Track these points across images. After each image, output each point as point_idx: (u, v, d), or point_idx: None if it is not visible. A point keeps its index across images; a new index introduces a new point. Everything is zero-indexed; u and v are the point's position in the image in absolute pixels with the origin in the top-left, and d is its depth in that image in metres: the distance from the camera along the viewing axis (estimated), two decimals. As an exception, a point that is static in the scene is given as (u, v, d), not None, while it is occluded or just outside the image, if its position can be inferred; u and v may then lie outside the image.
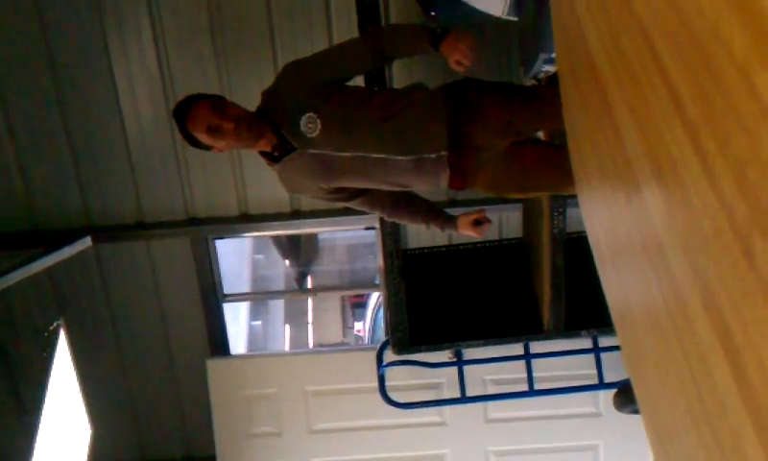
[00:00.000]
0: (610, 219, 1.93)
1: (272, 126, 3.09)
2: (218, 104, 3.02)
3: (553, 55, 3.30)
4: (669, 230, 1.29)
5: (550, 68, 3.43)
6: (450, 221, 3.46)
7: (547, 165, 3.35)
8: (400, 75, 4.78)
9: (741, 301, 1.04)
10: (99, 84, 4.95)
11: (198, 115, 2.99)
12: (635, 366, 2.00)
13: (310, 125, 3.06)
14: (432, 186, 3.31)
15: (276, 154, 3.16)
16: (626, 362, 2.12)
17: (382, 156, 3.11)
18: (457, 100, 3.20)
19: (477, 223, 3.44)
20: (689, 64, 1.06)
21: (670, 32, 1.13)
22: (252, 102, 3.20)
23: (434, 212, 3.48)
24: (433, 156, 3.14)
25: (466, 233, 3.47)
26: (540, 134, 3.94)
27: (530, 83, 3.96)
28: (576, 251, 4.10)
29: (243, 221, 5.41)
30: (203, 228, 5.42)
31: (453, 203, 5.13)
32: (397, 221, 3.64)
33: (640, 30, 1.26)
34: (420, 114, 3.14)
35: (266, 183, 5.14)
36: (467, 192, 3.52)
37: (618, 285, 2.05)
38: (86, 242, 5.26)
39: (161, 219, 5.38)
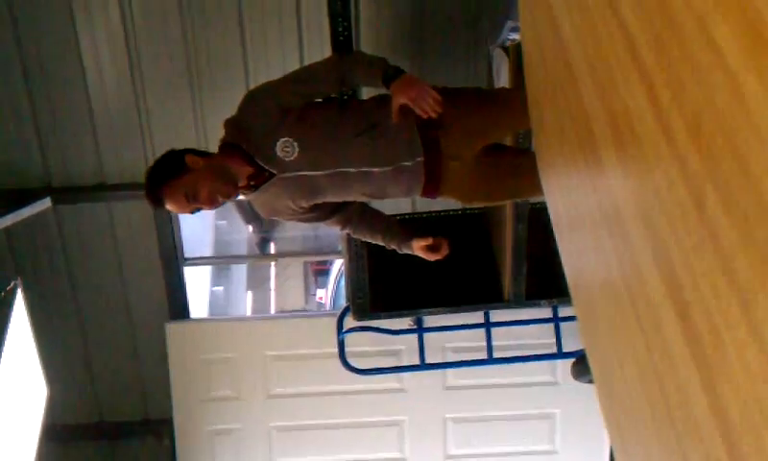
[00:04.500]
0: (568, 183, 1.94)
1: (245, 157, 3.06)
2: (189, 189, 2.98)
3: (519, 23, 3.30)
4: (624, 187, 1.29)
5: (516, 37, 3.43)
6: (407, 242, 3.44)
7: (513, 171, 3.40)
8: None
9: (691, 253, 1.04)
10: (61, 41, 4.86)
11: (175, 204, 3.00)
12: (588, 331, 2.01)
13: (287, 149, 3.04)
14: (405, 195, 3.32)
15: (253, 183, 3.13)
16: (580, 328, 2.13)
17: (362, 169, 3.12)
18: None
19: (431, 248, 3.42)
20: (647, 14, 1.06)
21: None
22: (222, 117, 3.19)
23: (392, 231, 3.47)
24: (410, 163, 3.15)
25: (419, 254, 3.45)
26: (507, 141, 3.96)
27: (497, 51, 3.95)
28: (538, 221, 4.11)
29: (206, 184, 5.36)
30: (165, 190, 5.37)
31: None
32: (360, 238, 3.63)
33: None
34: (391, 126, 3.12)
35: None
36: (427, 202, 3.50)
37: (575, 250, 2.06)
38: (46, 203, 5.18)
39: (123, 181, 5.31)
